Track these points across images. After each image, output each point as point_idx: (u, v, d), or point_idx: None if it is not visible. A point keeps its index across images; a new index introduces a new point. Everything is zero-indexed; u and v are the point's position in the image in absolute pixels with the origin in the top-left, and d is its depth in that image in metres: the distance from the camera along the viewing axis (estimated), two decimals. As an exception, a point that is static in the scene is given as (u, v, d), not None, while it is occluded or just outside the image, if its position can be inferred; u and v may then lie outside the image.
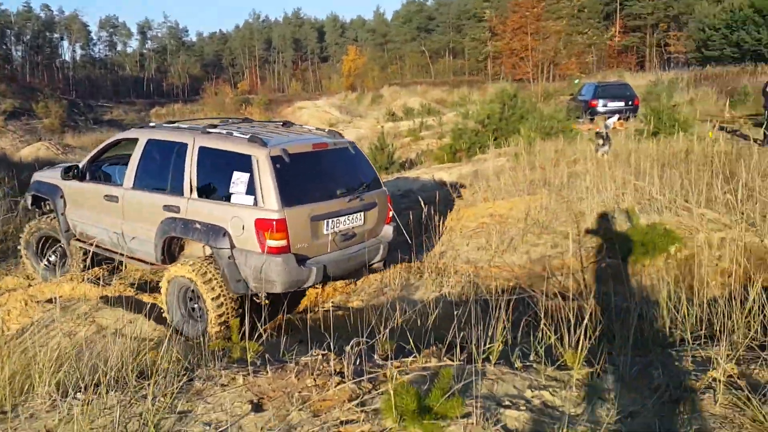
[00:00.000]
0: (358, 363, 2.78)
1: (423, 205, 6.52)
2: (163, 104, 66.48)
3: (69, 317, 4.77)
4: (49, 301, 5.29)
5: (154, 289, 5.93)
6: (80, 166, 6.19)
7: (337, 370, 2.71)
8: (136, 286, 6.03)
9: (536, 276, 5.81)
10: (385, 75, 73.19)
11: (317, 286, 6.06)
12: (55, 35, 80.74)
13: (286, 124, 6.25)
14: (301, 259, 4.85)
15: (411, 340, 3.17)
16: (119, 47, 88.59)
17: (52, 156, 37.12)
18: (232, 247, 4.78)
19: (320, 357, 2.86)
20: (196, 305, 5.04)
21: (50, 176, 6.67)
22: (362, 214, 5.44)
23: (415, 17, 78.03)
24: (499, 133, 12.81)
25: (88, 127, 53.75)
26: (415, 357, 2.93)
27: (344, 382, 2.57)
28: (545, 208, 7.07)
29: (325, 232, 5.06)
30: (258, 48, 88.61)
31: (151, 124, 6.22)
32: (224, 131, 5.24)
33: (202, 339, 4.57)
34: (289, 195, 4.73)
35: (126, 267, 6.18)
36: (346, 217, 5.26)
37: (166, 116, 56.91)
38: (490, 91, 45.88)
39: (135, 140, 5.77)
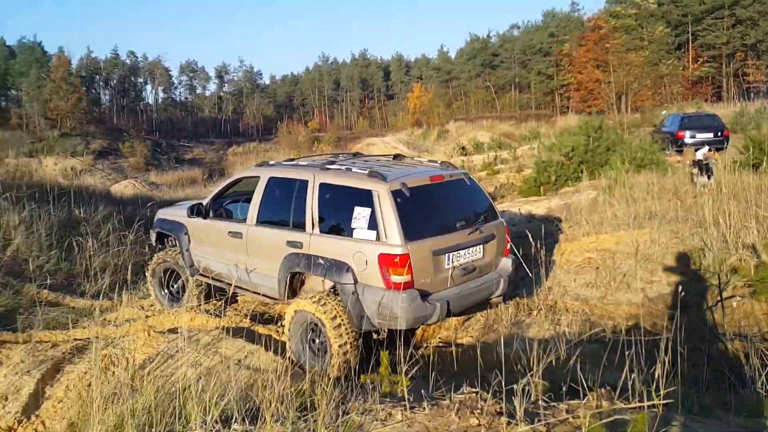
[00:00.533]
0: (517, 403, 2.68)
1: (531, 240, 6.28)
2: (239, 143, 69.30)
3: (193, 348, 4.89)
4: (171, 331, 5.46)
5: (268, 320, 6.04)
6: (203, 204, 6.36)
7: (497, 410, 2.62)
8: (249, 317, 6.15)
9: (657, 315, 5.53)
10: (450, 111, 73.59)
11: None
12: (140, 80, 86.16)
13: (397, 157, 6.27)
14: (425, 295, 4.74)
15: (564, 382, 3.04)
16: (198, 90, 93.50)
17: (140, 192, 39.34)
18: (356, 282, 4.76)
19: (474, 395, 2.78)
20: (317, 339, 5.03)
21: (173, 214, 6.94)
22: (481, 246, 5.31)
23: (479, 54, 78.44)
24: (585, 165, 12.50)
25: (171, 165, 56.48)
26: (585, 399, 2.80)
27: (515, 424, 2.46)
28: (656, 243, 6.76)
29: (446, 267, 4.94)
30: (327, 88, 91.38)
31: (271, 163, 6.37)
32: (343, 167, 5.31)
33: (329, 370, 4.59)
34: (411, 229, 4.69)
35: (239, 299, 6.36)
36: (466, 250, 5.13)
37: (242, 155, 59.13)
38: (560, 124, 45.28)
39: (256, 178, 5.92)
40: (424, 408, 2.70)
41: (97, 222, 9.55)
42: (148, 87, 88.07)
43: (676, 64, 49.15)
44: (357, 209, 4.85)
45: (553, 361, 3.90)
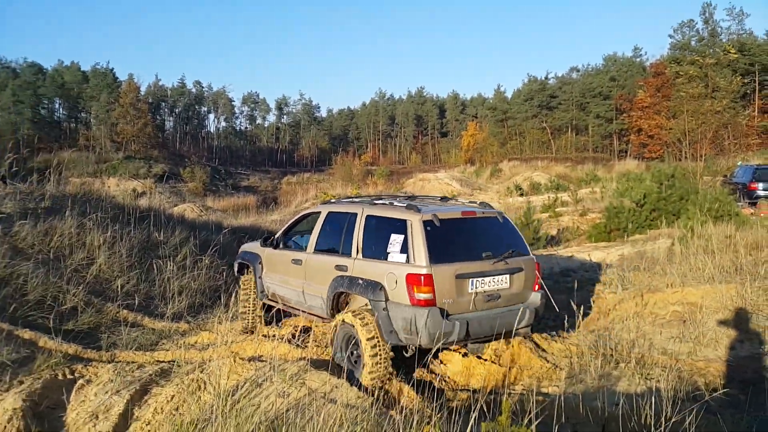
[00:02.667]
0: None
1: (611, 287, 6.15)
2: (294, 173, 71.00)
3: (280, 377, 4.94)
4: (254, 359, 5.54)
5: None
6: (275, 236, 7.14)
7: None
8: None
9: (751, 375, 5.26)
10: (504, 150, 73.36)
11: (501, 364, 5.92)
12: (203, 108, 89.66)
13: (444, 198, 6.87)
14: (447, 314, 5.15)
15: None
16: (258, 120, 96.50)
17: (196, 216, 40.58)
18: (387, 299, 5.28)
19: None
20: (355, 351, 5.50)
21: (252, 247, 7.62)
22: (508, 277, 5.61)
23: (536, 95, 78.19)
24: (657, 213, 12.19)
25: (227, 192, 58.15)
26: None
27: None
28: (744, 299, 6.49)
29: (469, 291, 5.33)
30: (382, 123, 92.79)
31: (332, 201, 7.14)
32: (387, 201, 6.03)
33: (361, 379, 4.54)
34: (437, 253, 5.18)
35: (314, 330, 6.44)
36: (491, 278, 5.49)
37: (296, 184, 60.44)
38: (618, 168, 44.37)
39: (318, 213, 6.67)
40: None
41: (174, 245, 9.87)
42: (211, 116, 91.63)
43: (743, 113, 47.70)
44: (393, 236, 5.44)
45: (663, 422, 3.76)
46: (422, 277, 5.06)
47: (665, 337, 6.25)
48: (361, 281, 5.51)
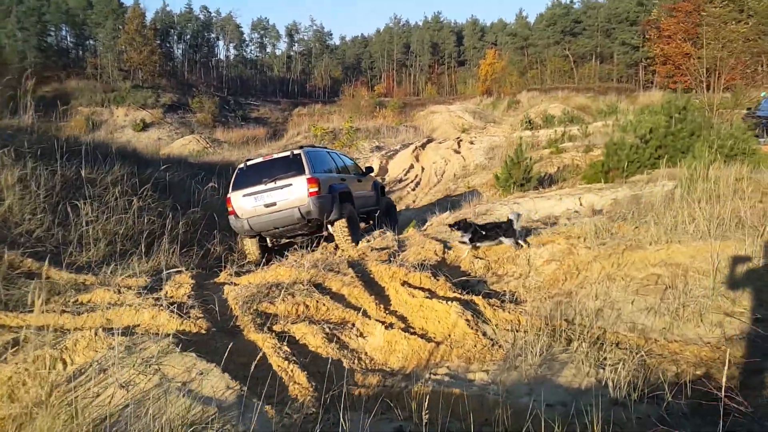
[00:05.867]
0: None
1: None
2: (305, 104, 68.86)
3: (132, 361, 3.96)
4: (124, 331, 4.56)
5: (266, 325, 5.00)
6: None
7: None
8: (242, 314, 5.16)
9: (736, 364, 4.14)
10: (524, 80, 70.17)
11: (430, 339, 4.89)
12: (212, 35, 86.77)
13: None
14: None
15: None
16: (268, 49, 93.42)
17: (201, 149, 39.40)
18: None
19: None
20: None
21: None
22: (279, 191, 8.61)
23: (560, 20, 73.89)
24: (663, 151, 10.78)
25: (237, 123, 56.82)
26: None
27: None
28: (745, 261, 5.29)
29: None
30: (396, 51, 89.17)
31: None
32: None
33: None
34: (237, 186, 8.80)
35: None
36: (266, 194, 8.61)
37: (307, 116, 58.69)
38: (642, 100, 41.97)
39: None
40: None
41: (107, 184, 8.83)
42: (221, 43, 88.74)
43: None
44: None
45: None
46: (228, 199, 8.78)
47: (637, 307, 5.12)
48: None
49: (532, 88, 60.07)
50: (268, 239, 9.25)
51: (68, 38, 74.17)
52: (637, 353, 4.25)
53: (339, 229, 8.72)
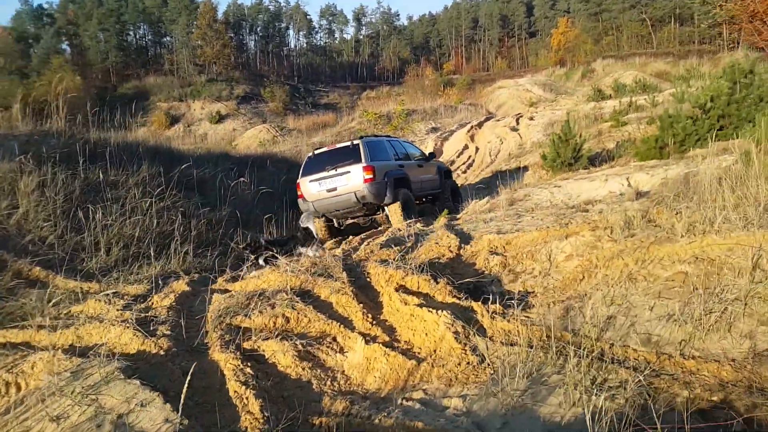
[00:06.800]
0: None
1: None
2: (373, 87, 68.61)
3: (72, 388, 3.75)
4: (82, 353, 4.37)
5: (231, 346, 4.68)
6: None
7: None
8: (215, 336, 4.86)
9: (763, 389, 3.39)
10: (599, 48, 66.34)
11: (412, 355, 4.40)
12: (282, 25, 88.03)
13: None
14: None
15: None
16: (337, 34, 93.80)
17: (270, 138, 40.06)
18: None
19: None
20: None
21: None
22: (342, 177, 9.54)
23: (637, -18, 69.20)
24: (725, 121, 9.57)
25: (307, 110, 57.40)
26: None
27: None
28: (788, 257, 4.40)
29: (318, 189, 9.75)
30: (465, 27, 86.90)
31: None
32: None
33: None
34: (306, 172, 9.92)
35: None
36: (332, 179, 9.58)
37: (375, 99, 58.33)
38: (726, 62, 38.52)
39: None
40: None
41: (129, 186, 8.84)
42: (291, 32, 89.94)
43: None
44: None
45: None
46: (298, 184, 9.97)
47: (656, 314, 4.37)
48: None
49: (608, 56, 56.70)
50: (334, 220, 10.38)
51: (146, 36, 77.55)
52: (644, 371, 3.59)
53: (393, 211, 9.48)
